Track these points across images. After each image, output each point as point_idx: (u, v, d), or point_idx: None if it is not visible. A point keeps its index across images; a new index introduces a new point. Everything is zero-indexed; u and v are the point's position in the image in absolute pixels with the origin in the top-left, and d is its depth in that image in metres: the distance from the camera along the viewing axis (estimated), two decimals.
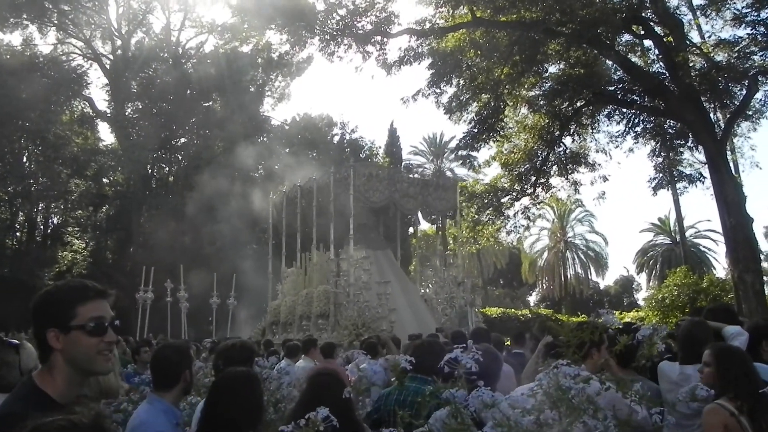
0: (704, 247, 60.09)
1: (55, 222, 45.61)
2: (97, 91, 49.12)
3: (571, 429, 2.08)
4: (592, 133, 26.92)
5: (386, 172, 22.56)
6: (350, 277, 19.54)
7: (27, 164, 42.32)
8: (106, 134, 47.56)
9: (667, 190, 27.64)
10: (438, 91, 26.29)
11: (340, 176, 21.30)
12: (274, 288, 24.59)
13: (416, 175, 23.95)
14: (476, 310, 21.98)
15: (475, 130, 26.32)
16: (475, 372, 2.16)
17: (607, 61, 24.56)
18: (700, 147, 23.49)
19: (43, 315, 2.44)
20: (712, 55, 22.32)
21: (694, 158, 25.60)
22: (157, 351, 4.52)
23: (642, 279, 69.24)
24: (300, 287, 22.33)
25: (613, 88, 24.85)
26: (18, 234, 43.95)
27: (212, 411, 3.63)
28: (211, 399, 3.69)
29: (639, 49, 25.29)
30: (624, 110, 25.39)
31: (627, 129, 25.73)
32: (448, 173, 62.09)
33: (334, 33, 25.01)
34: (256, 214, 29.24)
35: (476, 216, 27.88)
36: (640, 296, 70.13)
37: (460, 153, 29.32)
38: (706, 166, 22.95)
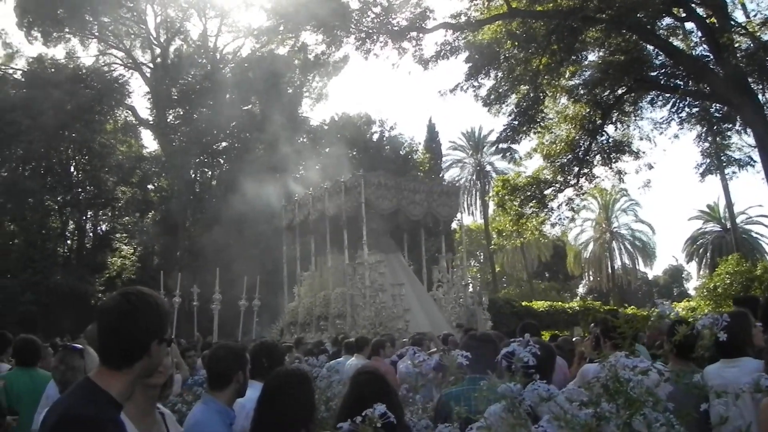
0: (756, 233, 59.03)
1: (103, 229, 46.33)
2: (139, 99, 49.85)
3: (631, 422, 2.00)
4: (635, 120, 26.60)
5: (393, 181, 22.94)
6: (366, 280, 20.24)
7: (74, 174, 43.14)
8: (149, 141, 48.30)
9: (716, 175, 27.13)
10: (476, 84, 26.19)
11: (351, 184, 21.94)
12: (291, 290, 25.23)
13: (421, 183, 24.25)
14: (483, 308, 22.34)
15: (515, 122, 26.14)
16: (532, 365, 2.09)
17: (648, 46, 24.18)
18: (748, 130, 22.99)
19: (152, 325, 2.48)
20: (758, 34, 21.80)
21: (742, 142, 25.13)
22: (212, 352, 4.55)
23: (692, 268, 68.31)
24: (316, 289, 23.04)
25: (655, 73, 24.48)
26: (68, 242, 44.74)
27: (266, 410, 3.60)
28: (264, 398, 3.66)
29: (681, 32, 24.82)
30: (667, 96, 24.98)
31: (671, 115, 25.36)
32: (488, 167, 61.94)
33: (370, 31, 25.03)
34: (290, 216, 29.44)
35: (519, 209, 27.64)
36: (691, 286, 69.33)
37: (500, 146, 29.08)
38: (756, 149, 22.46)
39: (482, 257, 69.02)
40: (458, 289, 22.85)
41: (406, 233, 25.24)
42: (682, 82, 23.96)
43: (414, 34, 25.43)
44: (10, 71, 42.61)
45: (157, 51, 45.80)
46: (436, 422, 4.75)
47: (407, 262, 24.47)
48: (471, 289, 23.08)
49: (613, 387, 2.09)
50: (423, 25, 25.24)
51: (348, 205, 21.82)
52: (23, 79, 41.19)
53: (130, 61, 46.24)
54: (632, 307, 39.22)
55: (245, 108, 42.93)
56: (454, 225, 33.75)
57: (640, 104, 26.11)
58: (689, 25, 24.05)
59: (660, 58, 24.35)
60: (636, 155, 26.59)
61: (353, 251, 21.79)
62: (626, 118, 26.54)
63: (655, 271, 77.23)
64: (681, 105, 25.07)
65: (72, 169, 43.21)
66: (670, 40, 24.12)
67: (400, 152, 45.85)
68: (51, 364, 7.96)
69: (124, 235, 45.07)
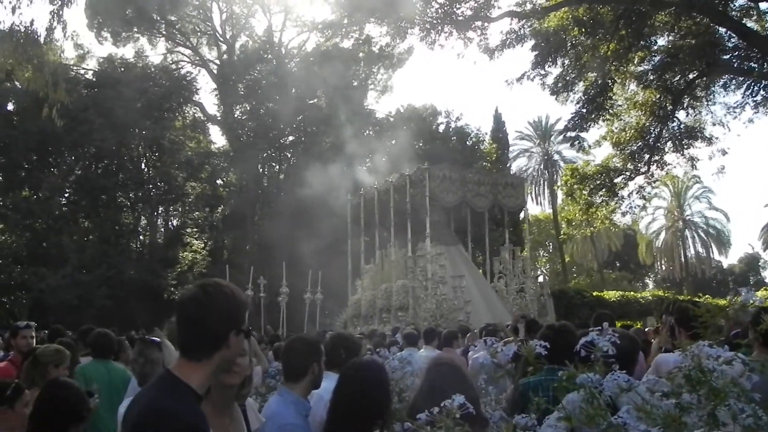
0: None
1: (174, 224, 47.32)
2: (207, 95, 50.93)
3: (716, 413, 1.95)
4: (708, 105, 25.90)
5: (458, 173, 23.08)
6: (427, 272, 20.57)
7: (145, 170, 44.24)
8: (217, 137, 49.06)
9: None
10: (543, 72, 25.84)
11: (416, 178, 22.23)
12: (354, 283, 25.49)
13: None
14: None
15: (584, 110, 25.73)
16: (613, 355, 2.05)
17: (720, 28, 23.50)
18: None
19: (231, 317, 2.50)
20: None
21: None
22: (287, 344, 4.61)
23: None
24: (378, 282, 23.26)
25: (728, 56, 23.78)
26: (141, 237, 45.85)
27: (342, 401, 3.62)
28: (340, 389, 3.68)
29: (754, 12, 24.05)
30: (741, 79, 24.23)
31: (745, 98, 24.52)
32: (556, 156, 61.19)
33: (434, 21, 24.90)
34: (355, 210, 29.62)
35: (589, 198, 27.26)
36: None
37: (568, 135, 28.68)
38: None
39: (551, 247, 68.28)
40: (519, 281, 22.85)
41: (471, 225, 25.22)
42: (756, 65, 23.21)
43: (479, 23, 25.23)
44: (82, 72, 43.81)
45: (224, 48, 46.58)
46: (513, 412, 4.72)
47: (470, 254, 24.49)
48: (541, 280, 23.04)
49: (695, 377, 2.04)
50: (488, 13, 25.02)
51: (413, 198, 22.08)
52: (94, 79, 42.33)
53: (197, 58, 47.15)
54: (707, 296, 38.25)
55: (311, 102, 43.23)
56: (522, 216, 33.47)
57: (713, 89, 25.43)
58: (764, 6, 23.37)
59: (733, 40, 23.64)
60: (709, 141, 25.93)
61: (415, 244, 22.03)
62: (698, 104, 25.89)
63: (730, 259, 75.37)
64: (756, 88, 24.28)
65: (143, 165, 44.35)
66: (744, 22, 23.38)
67: (467, 143, 45.61)
68: (129, 357, 8.19)
69: (195, 229, 45.90)
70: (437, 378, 3.63)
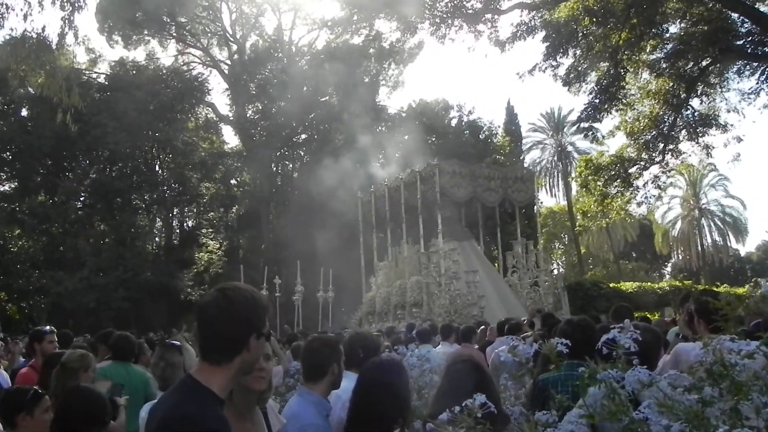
0: None
1: (189, 225, 47.58)
2: (219, 96, 51.01)
3: (739, 407, 1.93)
4: (722, 92, 25.71)
5: (468, 169, 23.08)
6: (441, 268, 20.64)
7: (159, 172, 44.46)
8: (230, 137, 49.25)
9: None
10: (554, 63, 25.77)
11: (426, 174, 22.27)
12: (368, 281, 25.54)
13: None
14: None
15: (597, 101, 25.62)
16: (634, 351, 2.04)
17: (733, 13, 23.32)
18: None
19: (250, 320, 2.48)
20: None
21: None
22: (306, 344, 4.61)
23: None
24: (392, 279, 23.34)
25: (741, 42, 23.61)
26: (157, 239, 46.12)
27: (363, 400, 3.60)
28: (361, 388, 3.67)
29: None
30: (755, 64, 24.04)
31: (760, 84, 24.33)
32: (570, 148, 60.95)
33: (444, 15, 24.87)
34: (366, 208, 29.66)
35: (604, 189, 27.15)
36: None
37: (581, 125, 28.57)
38: None
39: (566, 239, 68.07)
40: (533, 274, 22.92)
41: (482, 220, 25.22)
42: None
43: (489, 16, 25.18)
44: (94, 75, 44.02)
45: (234, 48, 46.69)
46: (533, 408, 4.70)
47: (483, 248, 24.48)
48: (555, 273, 23.06)
49: (717, 372, 2.03)
50: (498, 6, 24.99)
51: (423, 194, 22.15)
52: (106, 83, 42.53)
53: (208, 59, 47.33)
54: (725, 285, 38.05)
55: (323, 99, 43.25)
56: (536, 209, 33.41)
57: (726, 75, 25.25)
58: None
59: (746, 25, 23.45)
60: (724, 128, 25.76)
61: (428, 240, 22.16)
62: (712, 91, 25.72)
63: (747, 247, 74.72)
64: None
65: (157, 167, 44.57)
66: (757, 6, 23.18)
67: (480, 136, 45.47)
68: (150, 360, 8.23)
69: (210, 230, 46.14)
70: (457, 375, 3.60)
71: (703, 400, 1.98)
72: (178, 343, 4.89)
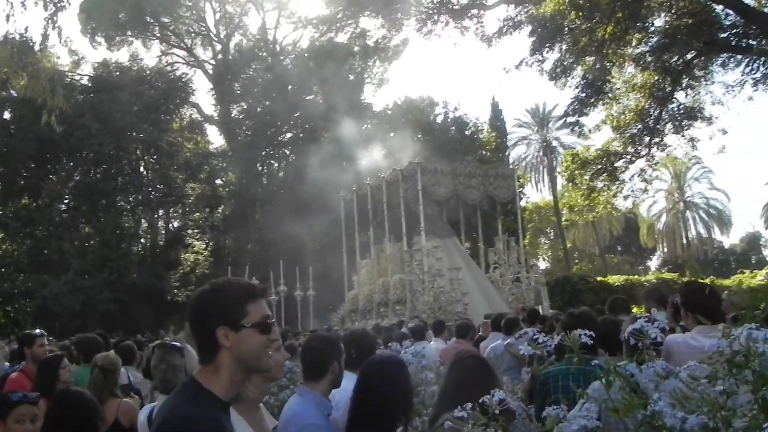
0: None
1: (175, 226, 47.42)
2: (203, 96, 50.90)
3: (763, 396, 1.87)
4: (706, 84, 25.80)
5: (449, 167, 23.13)
6: (424, 266, 20.73)
7: (144, 173, 44.31)
8: (215, 137, 49.14)
9: None
10: (540, 58, 25.86)
11: (407, 173, 22.40)
12: (350, 279, 25.69)
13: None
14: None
15: (582, 95, 25.73)
16: (660, 342, 1.99)
17: (717, 6, 23.39)
18: None
19: (212, 313, 2.39)
20: None
21: None
22: (306, 342, 4.53)
23: None
24: (375, 277, 23.51)
25: (725, 34, 23.71)
26: (142, 240, 45.87)
27: (364, 399, 3.53)
28: (362, 387, 3.60)
29: None
30: (740, 57, 24.11)
31: (744, 76, 24.39)
32: (555, 143, 61.12)
33: (430, 12, 24.84)
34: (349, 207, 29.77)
35: (590, 183, 27.23)
36: None
37: (567, 120, 28.64)
38: None
39: (552, 234, 68.31)
40: (515, 270, 23.07)
41: (464, 217, 25.30)
42: (755, 42, 23.11)
43: (475, 11, 25.18)
44: (77, 77, 43.81)
45: (218, 47, 46.61)
46: (534, 401, 4.66)
47: (468, 245, 24.55)
48: (533, 268, 23.38)
49: (739, 362, 1.97)
50: (483, 1, 24.96)
51: (405, 193, 22.28)
52: (90, 84, 42.39)
53: (192, 59, 47.19)
54: (711, 277, 38.19)
55: (308, 98, 43.16)
56: (523, 203, 33.46)
57: (711, 68, 25.34)
58: None
59: (730, 18, 23.54)
60: (709, 121, 25.84)
61: (411, 238, 22.23)
62: (697, 83, 25.80)
63: (732, 239, 75.13)
64: (755, 65, 24.15)
65: (142, 169, 44.40)
66: None
67: (465, 132, 45.47)
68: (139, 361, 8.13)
69: (196, 231, 46.05)
70: (464, 372, 3.54)
71: (727, 392, 1.92)
72: (179, 344, 4.78)
